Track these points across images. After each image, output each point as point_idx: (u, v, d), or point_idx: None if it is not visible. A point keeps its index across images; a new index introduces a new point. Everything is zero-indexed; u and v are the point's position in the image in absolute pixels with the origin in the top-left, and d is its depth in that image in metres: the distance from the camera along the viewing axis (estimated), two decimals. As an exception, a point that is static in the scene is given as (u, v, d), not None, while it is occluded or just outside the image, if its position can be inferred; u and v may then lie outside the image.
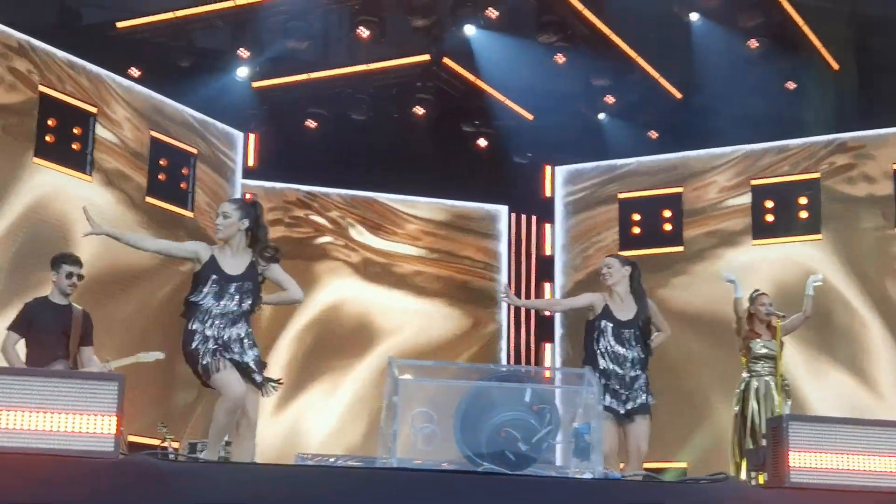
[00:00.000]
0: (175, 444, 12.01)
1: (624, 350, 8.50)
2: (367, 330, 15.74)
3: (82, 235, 7.14)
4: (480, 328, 16.05)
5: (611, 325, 8.55)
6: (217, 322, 7.15)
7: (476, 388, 6.16)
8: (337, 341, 15.58)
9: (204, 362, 6.97)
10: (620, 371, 8.40)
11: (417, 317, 15.88)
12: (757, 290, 10.48)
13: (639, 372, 8.49)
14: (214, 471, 5.37)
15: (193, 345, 7.06)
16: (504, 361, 15.86)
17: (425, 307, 15.95)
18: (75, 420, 5.07)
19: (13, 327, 8.74)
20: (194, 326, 7.13)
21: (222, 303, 7.19)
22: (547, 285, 16.14)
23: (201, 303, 7.18)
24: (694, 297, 14.98)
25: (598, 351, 8.48)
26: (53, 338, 8.55)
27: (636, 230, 15.61)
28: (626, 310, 8.67)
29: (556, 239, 16.08)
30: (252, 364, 7.13)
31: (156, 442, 11.98)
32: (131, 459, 5.09)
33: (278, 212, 15.70)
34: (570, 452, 6.10)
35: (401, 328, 15.74)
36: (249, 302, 7.28)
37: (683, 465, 14.04)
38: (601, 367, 8.34)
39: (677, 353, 14.86)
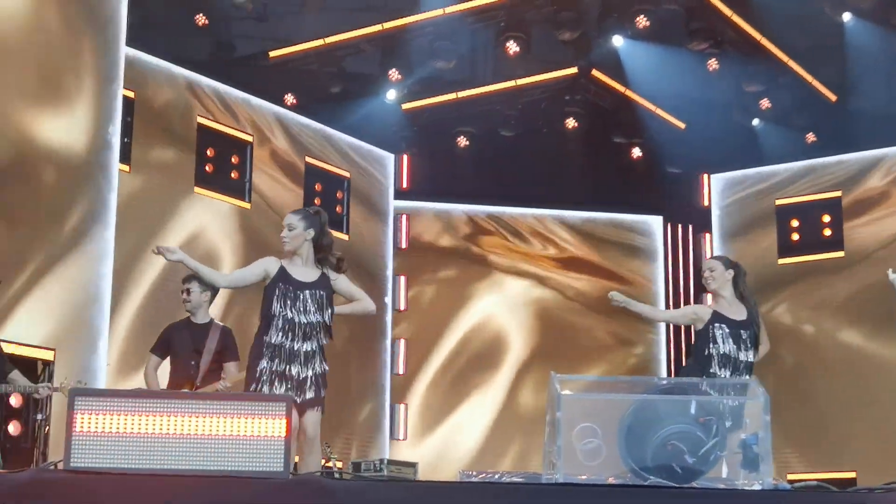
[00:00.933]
0: (339, 464, 12.14)
1: (739, 352, 8.19)
2: (521, 345, 15.74)
3: (153, 251, 7.14)
4: (638, 341, 15.90)
5: (725, 326, 8.20)
6: (289, 336, 7.09)
7: (640, 401, 6.08)
8: (488, 357, 15.63)
9: (259, 388, 6.94)
10: (732, 376, 8.13)
11: (574, 331, 15.82)
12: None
13: (747, 377, 8.14)
14: (383, 489, 5.41)
15: (258, 367, 7.01)
16: (664, 374, 15.69)
17: (582, 321, 15.87)
18: (245, 441, 5.15)
19: (153, 349, 8.92)
20: (264, 348, 7.07)
21: (294, 312, 7.12)
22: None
23: (273, 312, 7.11)
24: (856, 301, 14.63)
25: (711, 355, 8.13)
26: (187, 356, 8.65)
27: (795, 236, 15.31)
28: (737, 312, 8.33)
29: (713, 248, 15.83)
30: (312, 379, 7.10)
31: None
32: (302, 479, 5.17)
33: (431, 231, 15.82)
34: (738, 464, 5.99)
35: (557, 343, 15.69)
36: (329, 312, 7.24)
37: (852, 474, 13.68)
38: (711, 372, 8.08)
39: (837, 355, 14.56)
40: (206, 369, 8.57)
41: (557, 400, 6.08)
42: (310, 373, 7.14)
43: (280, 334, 7.09)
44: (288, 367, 7.04)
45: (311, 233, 7.40)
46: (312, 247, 7.40)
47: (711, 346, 8.13)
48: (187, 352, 8.65)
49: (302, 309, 7.15)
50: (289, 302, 7.15)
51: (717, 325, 8.21)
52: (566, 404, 6.05)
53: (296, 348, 7.08)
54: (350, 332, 14.61)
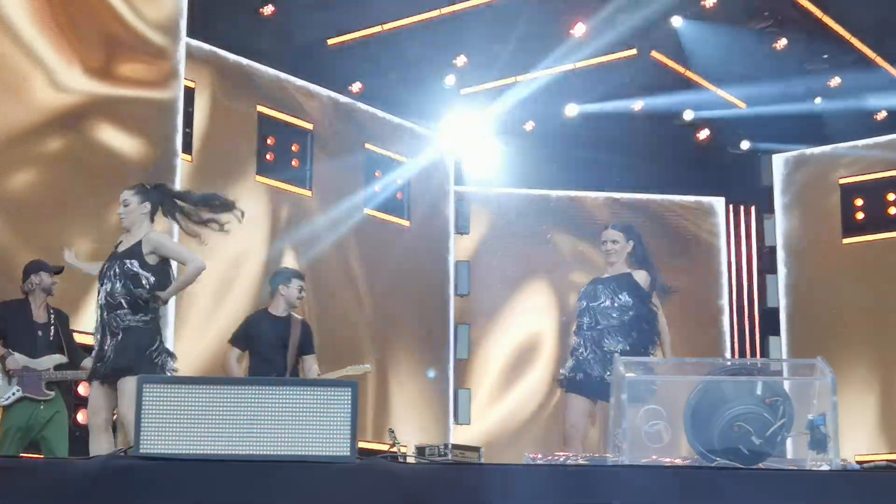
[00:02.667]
0: (403, 449, 12.20)
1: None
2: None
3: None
4: (702, 323, 15.79)
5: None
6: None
7: (706, 382, 6.06)
8: (551, 342, 15.60)
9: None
10: None
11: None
12: None
13: None
14: (450, 473, 5.44)
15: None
16: (728, 355, 15.58)
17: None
18: (312, 427, 5.19)
19: (233, 341, 9.00)
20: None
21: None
22: (771, 277, 15.76)
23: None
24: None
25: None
26: (273, 350, 8.74)
27: (860, 216, 15.14)
28: None
29: (776, 229, 15.69)
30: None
31: (383, 448, 12.20)
32: (369, 464, 5.19)
33: (493, 215, 15.81)
34: (806, 445, 5.95)
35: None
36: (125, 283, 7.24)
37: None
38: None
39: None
40: (292, 363, 8.73)
41: (622, 382, 6.08)
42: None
43: None
44: None
45: (147, 206, 7.36)
46: (150, 220, 7.38)
47: None
48: (274, 345, 8.77)
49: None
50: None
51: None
52: (631, 386, 6.04)
53: None
54: (414, 318, 14.67)
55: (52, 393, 8.73)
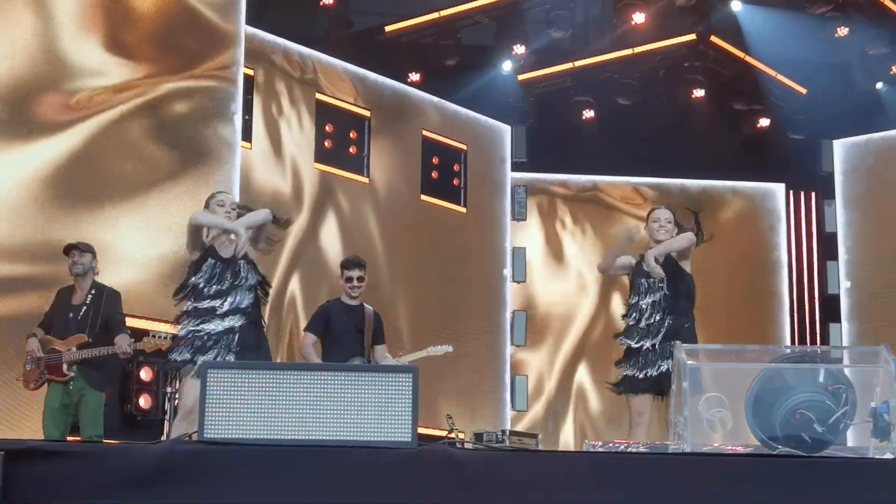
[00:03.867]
0: (461, 435, 12.23)
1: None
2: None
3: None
4: (762, 309, 15.68)
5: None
6: None
7: (768, 370, 6.01)
8: (606, 330, 15.54)
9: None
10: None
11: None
12: None
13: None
14: (506, 459, 5.44)
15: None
16: (788, 342, 15.47)
17: (706, 290, 15.68)
18: (374, 412, 5.21)
19: (310, 328, 9.07)
20: None
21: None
22: (832, 263, 15.61)
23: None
24: None
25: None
26: (350, 336, 8.83)
27: (923, 200, 14.97)
28: None
29: (837, 215, 15.54)
30: None
31: (441, 433, 12.22)
32: (430, 449, 5.20)
33: (550, 203, 15.79)
34: (869, 433, 5.89)
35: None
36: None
37: None
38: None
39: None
40: (369, 348, 8.83)
41: (683, 369, 6.04)
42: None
43: None
44: None
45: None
46: None
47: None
48: (351, 332, 8.85)
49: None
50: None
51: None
52: (692, 374, 6.01)
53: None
54: (471, 304, 14.69)
55: (71, 373, 8.71)
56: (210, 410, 5.17)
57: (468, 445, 9.81)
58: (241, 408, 5.20)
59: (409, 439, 5.16)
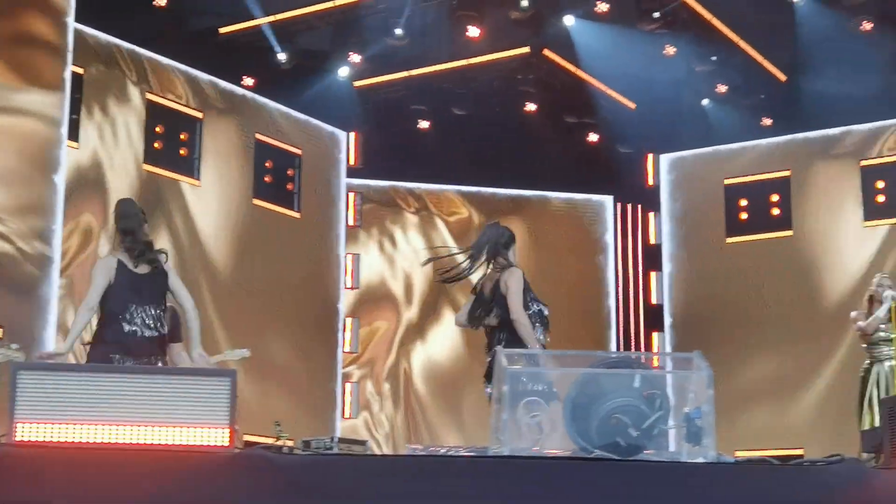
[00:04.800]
0: (290, 442, 12.14)
1: None
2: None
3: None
4: (589, 318, 15.97)
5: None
6: None
7: (585, 375, 6.14)
8: (440, 336, 15.66)
9: None
10: None
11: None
12: (880, 274, 10.30)
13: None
14: (327, 463, 5.44)
15: None
16: (613, 349, 15.79)
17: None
18: (191, 415, 5.16)
19: None
20: None
21: None
22: (655, 274, 16.02)
23: None
24: (803, 280, 14.83)
25: None
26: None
27: (743, 215, 15.46)
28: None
29: (662, 227, 15.96)
30: None
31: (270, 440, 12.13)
32: (247, 453, 5.18)
33: (384, 209, 15.82)
34: (682, 437, 6.05)
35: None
36: None
37: (800, 451, 13.85)
38: None
39: (784, 334, 14.73)
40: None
41: (504, 374, 6.13)
42: None
43: None
44: None
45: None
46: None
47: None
48: None
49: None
50: None
51: None
52: (512, 378, 6.10)
53: None
54: (301, 310, 14.61)
55: None
56: (20, 412, 5.06)
57: (297, 452, 9.75)
58: (53, 410, 5.09)
59: (227, 442, 5.12)
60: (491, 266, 7.69)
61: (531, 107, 15.91)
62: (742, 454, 12.58)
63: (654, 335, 15.90)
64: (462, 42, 14.83)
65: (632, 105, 15.94)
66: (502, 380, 6.11)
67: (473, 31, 14.56)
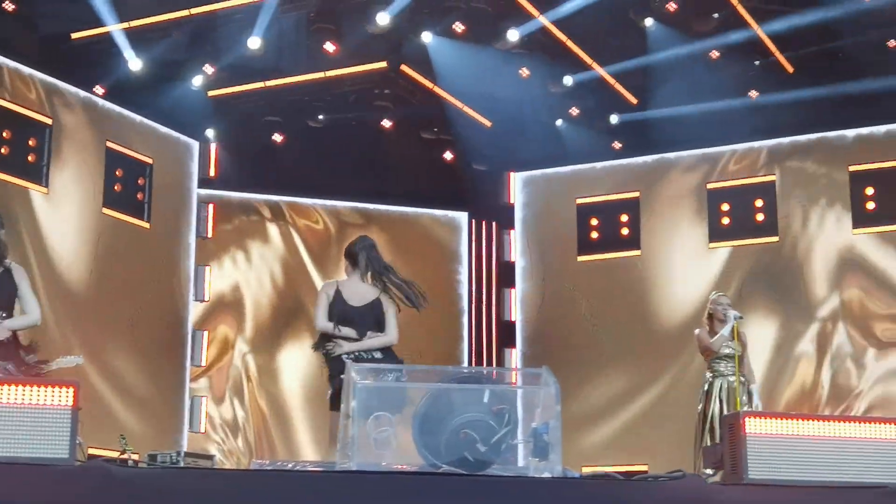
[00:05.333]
0: (135, 456, 11.92)
1: None
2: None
3: None
4: (442, 333, 16.03)
5: None
6: None
7: (435, 390, 6.15)
8: (294, 348, 15.54)
9: None
10: None
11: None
12: (716, 292, 10.54)
13: None
14: (171, 477, 5.34)
15: None
16: (466, 365, 15.86)
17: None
18: (30, 427, 5.02)
19: None
20: None
21: None
22: (509, 291, 16.17)
23: None
24: (651, 298, 15.13)
25: None
26: None
27: (594, 234, 15.71)
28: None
29: (516, 245, 16.13)
30: None
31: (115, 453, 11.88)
32: (87, 466, 5.05)
33: (236, 220, 15.66)
34: (529, 452, 6.10)
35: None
36: None
37: (644, 466, 14.09)
38: None
39: (632, 351, 15.01)
40: None
41: (353, 388, 6.10)
42: None
43: None
44: None
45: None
46: None
47: None
48: None
49: None
50: None
51: None
52: (361, 392, 6.07)
53: None
54: (149, 322, 14.36)
55: None
56: None
57: (141, 465, 9.58)
58: None
59: (67, 456, 5.00)
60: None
61: (388, 122, 15.94)
62: (588, 469, 12.76)
63: (507, 351, 16.05)
64: (319, 55, 14.77)
65: (487, 123, 16.08)
66: (351, 394, 6.08)
67: (331, 45, 14.52)
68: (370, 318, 8.17)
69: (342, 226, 15.88)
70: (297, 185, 15.65)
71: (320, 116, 15.77)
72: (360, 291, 8.25)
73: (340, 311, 8.10)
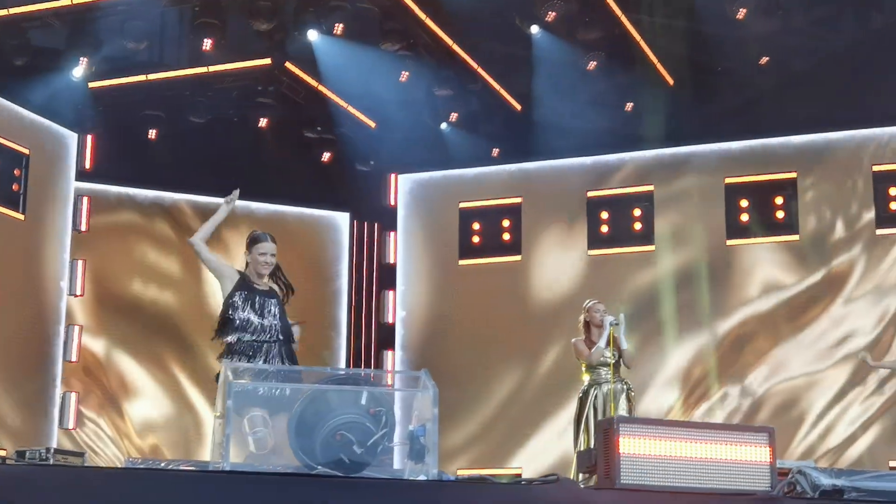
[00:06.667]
0: (3, 452, 11.68)
1: None
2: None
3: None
4: (321, 334, 15.95)
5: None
6: None
7: (312, 391, 6.12)
8: (173, 343, 15.35)
9: None
10: None
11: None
12: (591, 300, 10.64)
13: None
14: (41, 474, 5.23)
15: None
16: (344, 367, 15.81)
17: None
18: None
19: None
20: None
21: None
22: (389, 293, 16.15)
23: None
24: (529, 305, 15.26)
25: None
26: None
27: (476, 239, 15.78)
28: None
29: (398, 247, 16.12)
30: None
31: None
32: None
33: (113, 214, 15.40)
34: (405, 455, 6.10)
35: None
36: None
37: (518, 470, 14.23)
38: None
39: (510, 356, 15.12)
40: None
41: (228, 388, 6.04)
42: None
43: None
44: None
45: None
46: None
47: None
48: None
49: None
50: None
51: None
52: (237, 393, 6.02)
53: None
54: (21, 316, 14.06)
55: None
56: None
57: (9, 462, 9.38)
58: None
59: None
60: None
61: (270, 119, 15.80)
62: (463, 472, 12.82)
63: (386, 354, 16.02)
64: (202, 50, 14.59)
65: (372, 124, 16.05)
66: (227, 394, 6.02)
67: (215, 40, 14.35)
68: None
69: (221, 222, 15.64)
70: (175, 180, 15.44)
71: (202, 112, 15.56)
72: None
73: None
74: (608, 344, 10.15)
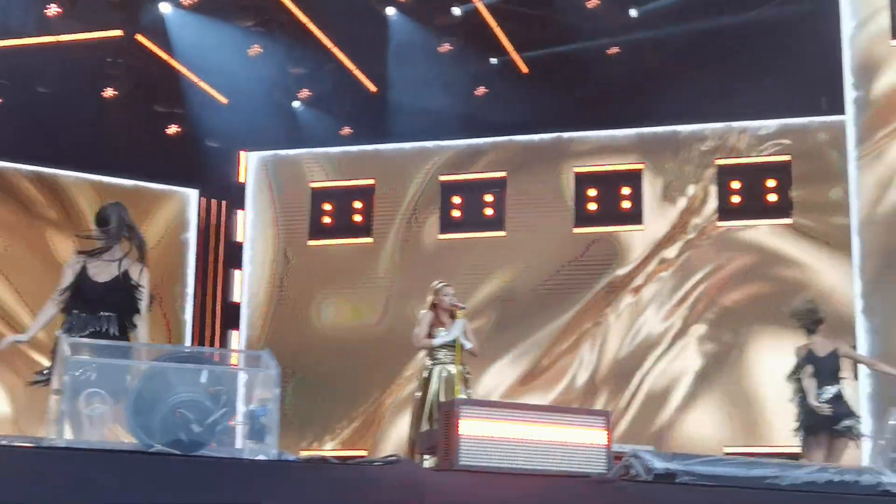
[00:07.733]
0: None
1: None
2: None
3: None
4: (165, 312, 15.70)
5: None
6: None
7: (151, 368, 6.04)
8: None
9: None
10: None
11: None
12: (440, 282, 10.65)
13: None
14: None
15: None
16: (188, 345, 15.61)
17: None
18: None
19: None
20: None
21: None
22: (235, 272, 15.99)
23: None
24: (385, 286, 15.28)
25: None
26: None
27: (327, 220, 15.74)
28: None
29: (246, 226, 15.96)
30: None
31: None
32: None
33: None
34: (245, 434, 6.07)
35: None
36: None
37: (364, 451, 14.26)
38: None
39: (366, 339, 15.14)
40: None
41: (65, 363, 5.92)
42: None
43: None
44: None
45: None
46: None
47: None
48: None
49: None
50: None
51: None
52: (74, 368, 5.90)
53: None
54: None
55: None
56: None
57: None
58: None
59: None
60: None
61: (120, 92, 15.46)
62: (306, 453, 12.79)
63: (231, 333, 15.86)
64: (51, 18, 14.22)
65: (224, 100, 15.85)
66: (64, 369, 5.91)
67: (64, 10, 14.00)
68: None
69: (59, 197, 15.29)
70: (17, 150, 15.01)
71: (49, 82, 15.16)
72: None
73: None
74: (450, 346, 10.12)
